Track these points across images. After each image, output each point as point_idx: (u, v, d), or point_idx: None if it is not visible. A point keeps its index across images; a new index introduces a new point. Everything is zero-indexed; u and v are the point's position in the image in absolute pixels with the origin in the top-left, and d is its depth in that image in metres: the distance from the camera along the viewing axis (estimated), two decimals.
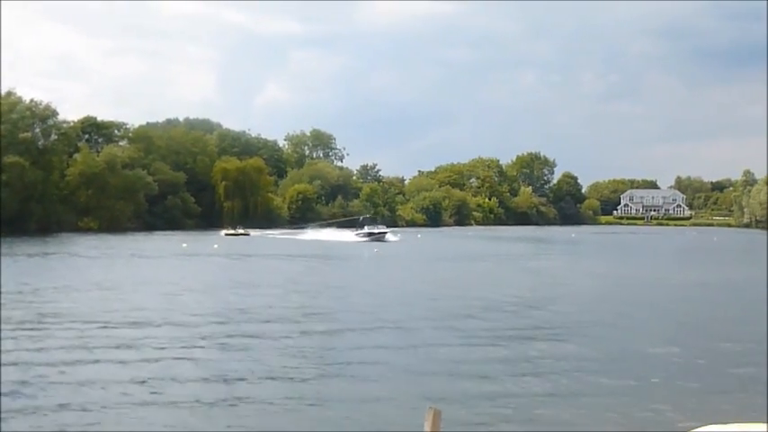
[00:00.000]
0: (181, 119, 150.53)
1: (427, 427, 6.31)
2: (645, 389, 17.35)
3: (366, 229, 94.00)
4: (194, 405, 15.36)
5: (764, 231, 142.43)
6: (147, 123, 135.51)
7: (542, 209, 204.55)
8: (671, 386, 17.65)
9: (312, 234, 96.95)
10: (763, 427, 8.84)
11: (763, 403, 15.79)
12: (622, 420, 14.53)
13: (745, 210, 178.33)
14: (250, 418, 14.63)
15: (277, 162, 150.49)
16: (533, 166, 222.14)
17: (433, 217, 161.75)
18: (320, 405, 15.59)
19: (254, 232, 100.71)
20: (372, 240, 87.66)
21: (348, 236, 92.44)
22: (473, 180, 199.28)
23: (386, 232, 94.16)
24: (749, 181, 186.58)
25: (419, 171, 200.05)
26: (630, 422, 13.82)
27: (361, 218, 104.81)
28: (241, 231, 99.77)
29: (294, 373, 18.36)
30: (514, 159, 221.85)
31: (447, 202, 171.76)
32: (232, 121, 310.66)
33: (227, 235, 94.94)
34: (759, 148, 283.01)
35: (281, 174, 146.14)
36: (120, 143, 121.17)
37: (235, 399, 15.91)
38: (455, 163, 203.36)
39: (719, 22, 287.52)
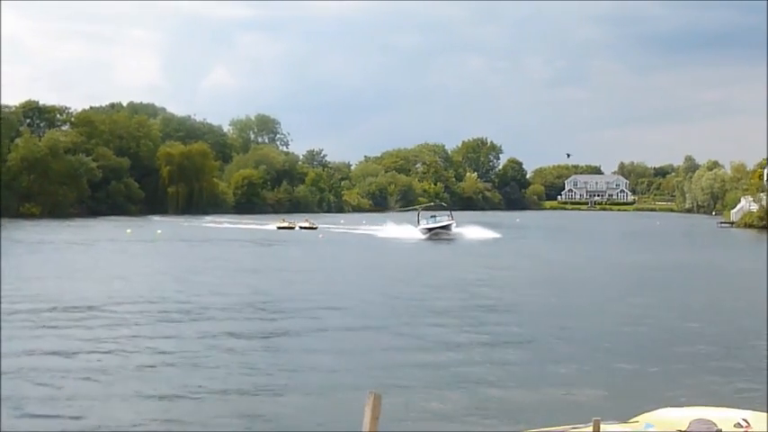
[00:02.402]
0: (124, 103, 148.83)
1: (367, 411, 6.35)
2: (604, 372, 17.60)
3: (425, 223, 73.74)
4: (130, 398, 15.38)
5: (706, 216, 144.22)
6: (91, 108, 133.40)
7: (487, 194, 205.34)
8: (628, 369, 17.91)
9: (378, 228, 77.26)
10: (716, 409, 9.12)
11: (715, 382, 16.20)
12: (575, 404, 14.65)
13: (687, 195, 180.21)
14: (188, 409, 14.66)
15: (222, 147, 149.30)
16: (479, 152, 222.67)
17: (379, 202, 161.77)
18: (254, 395, 15.64)
19: (300, 222, 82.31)
20: (435, 237, 69.41)
21: (411, 231, 73.25)
22: (419, 165, 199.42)
23: (450, 224, 73.28)
24: (691, 167, 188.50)
25: (365, 156, 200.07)
26: (583, 406, 13.94)
27: (420, 208, 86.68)
28: (306, 225, 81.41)
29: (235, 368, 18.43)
30: (460, 145, 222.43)
31: (393, 187, 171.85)
32: (177, 106, 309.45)
33: (280, 228, 78.57)
34: (701, 134, 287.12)
35: (226, 159, 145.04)
36: (63, 128, 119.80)
37: (169, 390, 15.97)
38: (401, 148, 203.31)
39: (664, 9, 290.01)
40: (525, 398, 15.20)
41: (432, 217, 75.94)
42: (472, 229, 74.17)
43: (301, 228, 79.79)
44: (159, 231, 70.06)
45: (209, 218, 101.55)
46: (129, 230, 69.09)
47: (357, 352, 19.46)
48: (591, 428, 7.39)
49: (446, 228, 71.95)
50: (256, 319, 24.60)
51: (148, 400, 14.98)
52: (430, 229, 71.46)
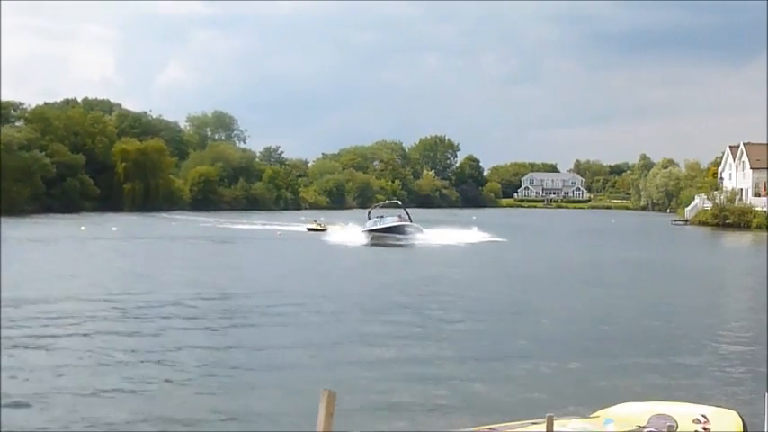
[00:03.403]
0: (79, 99, 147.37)
1: (322, 408, 6.26)
2: (564, 369, 17.63)
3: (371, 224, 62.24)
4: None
5: (661, 214, 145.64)
6: (45, 104, 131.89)
7: (445, 191, 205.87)
8: (589, 365, 17.98)
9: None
10: (675, 405, 9.17)
11: (675, 378, 16.31)
12: (534, 400, 14.63)
13: (642, 193, 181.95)
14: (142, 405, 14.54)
15: (179, 144, 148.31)
16: (437, 150, 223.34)
17: (336, 199, 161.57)
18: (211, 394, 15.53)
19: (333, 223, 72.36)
20: (379, 241, 58.34)
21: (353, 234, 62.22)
22: (376, 163, 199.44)
23: (400, 225, 61.35)
24: (646, 165, 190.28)
25: (323, 154, 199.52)
26: (542, 403, 13.94)
27: (375, 206, 74.08)
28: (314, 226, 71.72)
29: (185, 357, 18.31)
30: (418, 143, 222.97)
31: (350, 184, 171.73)
32: (132, 102, 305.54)
33: (310, 230, 70.45)
34: (655, 133, 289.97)
35: (182, 155, 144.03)
36: (17, 124, 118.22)
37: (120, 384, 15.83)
38: (359, 146, 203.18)
39: (617, 9, 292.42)
40: (483, 394, 15.20)
41: (379, 217, 63.28)
42: (444, 233, 63.74)
43: (309, 230, 71.12)
44: (114, 229, 69.49)
45: (204, 216, 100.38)
46: (83, 227, 68.46)
47: (314, 348, 19.37)
48: (545, 425, 7.35)
49: (395, 230, 59.80)
50: (202, 317, 24.34)
51: (95, 399, 14.79)
52: (373, 232, 59.98)
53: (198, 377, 16.47)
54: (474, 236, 64.40)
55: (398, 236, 59.49)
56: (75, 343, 19.52)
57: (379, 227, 60.61)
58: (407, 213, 64.41)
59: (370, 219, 63.48)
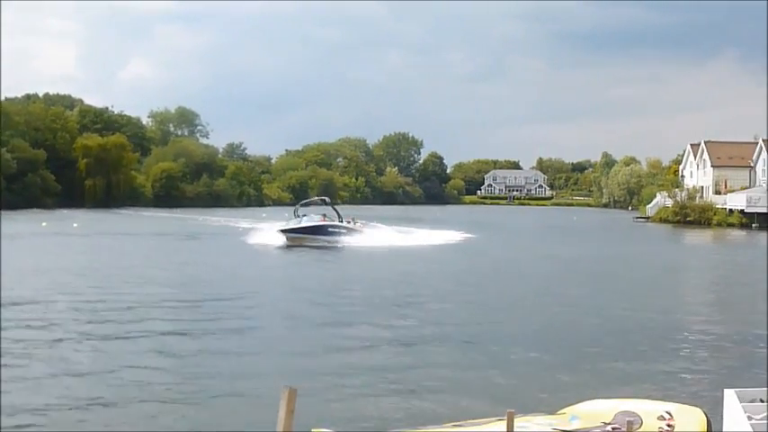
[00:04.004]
0: (40, 94, 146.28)
1: (282, 405, 6.19)
2: (530, 366, 17.63)
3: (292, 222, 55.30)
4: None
5: (622, 211, 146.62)
6: (6, 99, 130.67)
7: (408, 188, 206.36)
8: (553, 362, 17.96)
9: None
10: (640, 402, 9.24)
11: (641, 375, 16.40)
12: (502, 398, 14.57)
13: (604, 190, 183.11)
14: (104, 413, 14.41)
15: (141, 139, 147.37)
16: (400, 146, 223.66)
17: (299, 196, 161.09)
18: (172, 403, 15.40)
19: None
20: (296, 243, 52.46)
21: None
22: (340, 159, 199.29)
23: (323, 225, 54.94)
24: (608, 162, 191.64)
25: (286, 150, 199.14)
26: (508, 400, 13.87)
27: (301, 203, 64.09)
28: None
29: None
30: (381, 139, 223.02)
31: (314, 181, 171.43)
32: (94, 98, 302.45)
33: None
34: (618, 131, 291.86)
35: (145, 151, 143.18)
36: None
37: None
38: (322, 142, 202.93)
39: (580, 8, 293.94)
40: (450, 392, 15.17)
41: (301, 216, 55.90)
42: (385, 234, 58.75)
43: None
44: (75, 225, 68.94)
45: (165, 212, 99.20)
46: (44, 224, 67.89)
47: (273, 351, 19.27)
48: (505, 421, 7.37)
49: (315, 231, 53.68)
50: (159, 319, 24.10)
51: (50, 405, 14.63)
52: (288, 232, 53.58)
53: (156, 379, 16.33)
54: (437, 237, 62.21)
55: (320, 237, 53.28)
56: (33, 344, 19.25)
57: (295, 227, 54.04)
58: (337, 212, 57.81)
59: (296, 216, 55.67)
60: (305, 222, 54.38)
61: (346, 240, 53.96)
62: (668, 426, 8.30)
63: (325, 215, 56.28)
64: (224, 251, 49.44)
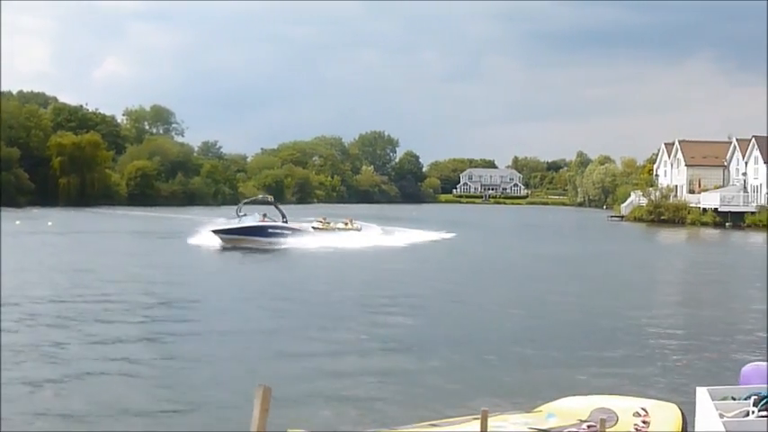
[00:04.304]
0: (14, 92, 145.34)
1: (257, 404, 6.15)
2: (509, 364, 17.61)
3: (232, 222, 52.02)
4: None
5: (597, 210, 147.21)
6: None
7: (384, 187, 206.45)
8: (532, 361, 17.94)
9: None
10: (616, 398, 9.28)
11: (617, 372, 16.44)
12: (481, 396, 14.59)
13: (579, 189, 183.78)
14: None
15: (116, 137, 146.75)
16: (376, 145, 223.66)
17: (275, 194, 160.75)
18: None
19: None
20: (232, 245, 49.04)
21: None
22: (316, 158, 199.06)
23: (264, 226, 51.32)
24: (583, 161, 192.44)
25: (262, 149, 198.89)
26: (486, 398, 13.85)
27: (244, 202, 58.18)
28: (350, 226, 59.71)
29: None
30: (357, 138, 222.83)
31: (290, 179, 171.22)
32: (68, 95, 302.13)
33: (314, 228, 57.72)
34: (592, 131, 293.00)
35: (119, 150, 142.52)
36: None
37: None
38: (298, 141, 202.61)
39: (555, 8, 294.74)
40: (428, 391, 15.17)
41: (241, 216, 52.01)
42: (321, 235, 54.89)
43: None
44: (50, 223, 68.55)
45: (140, 211, 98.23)
46: (17, 222, 67.44)
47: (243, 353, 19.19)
48: (479, 420, 7.36)
49: (253, 232, 50.07)
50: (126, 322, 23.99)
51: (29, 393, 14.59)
52: (221, 233, 50.14)
53: (128, 380, 16.26)
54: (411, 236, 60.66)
55: (258, 238, 49.52)
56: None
57: (229, 227, 50.76)
58: (281, 211, 53.49)
59: (237, 216, 51.91)
60: (243, 223, 50.95)
61: (289, 242, 50.25)
62: (644, 422, 8.35)
63: (265, 215, 52.36)
64: (163, 251, 48.40)
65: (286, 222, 52.95)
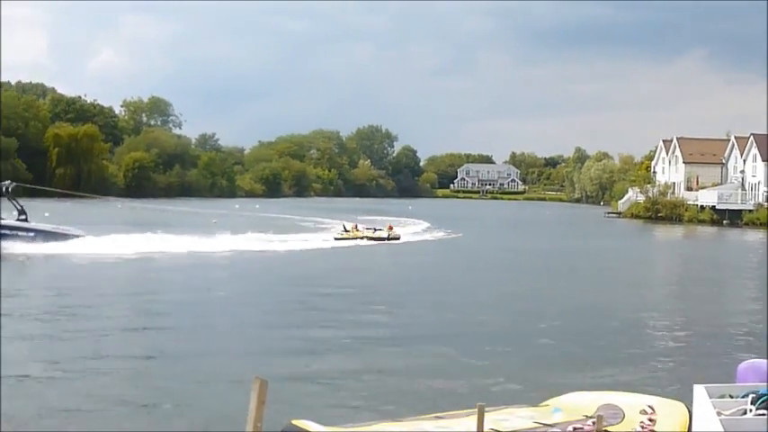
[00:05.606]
0: (12, 83, 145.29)
1: (253, 396, 6.14)
2: (517, 359, 17.52)
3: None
4: None
5: (594, 206, 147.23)
6: None
7: (381, 181, 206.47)
8: (540, 356, 17.85)
9: None
10: (624, 395, 9.24)
11: (626, 369, 16.41)
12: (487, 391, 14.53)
13: (577, 185, 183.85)
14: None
15: (113, 129, 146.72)
16: (373, 139, 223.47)
17: (272, 187, 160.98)
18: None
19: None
20: None
21: None
22: (313, 152, 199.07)
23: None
24: (581, 157, 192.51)
25: (259, 141, 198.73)
26: (494, 393, 13.79)
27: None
28: (384, 234, 52.18)
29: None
30: (355, 132, 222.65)
31: (287, 173, 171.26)
32: (66, 86, 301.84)
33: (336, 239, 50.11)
34: (590, 126, 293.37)
35: (117, 141, 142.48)
36: None
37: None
38: (295, 134, 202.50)
39: (547, 5, 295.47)
40: (434, 385, 15.11)
41: None
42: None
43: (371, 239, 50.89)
44: (47, 214, 68.32)
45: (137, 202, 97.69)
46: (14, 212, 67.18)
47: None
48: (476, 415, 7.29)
49: None
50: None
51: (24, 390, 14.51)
52: None
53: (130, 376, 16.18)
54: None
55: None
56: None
57: None
58: (17, 205, 41.78)
59: None
60: None
61: (26, 248, 37.41)
62: (650, 420, 8.29)
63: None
64: None
65: (25, 220, 40.91)
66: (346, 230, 52.55)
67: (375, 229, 52.95)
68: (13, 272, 30.44)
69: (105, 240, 40.58)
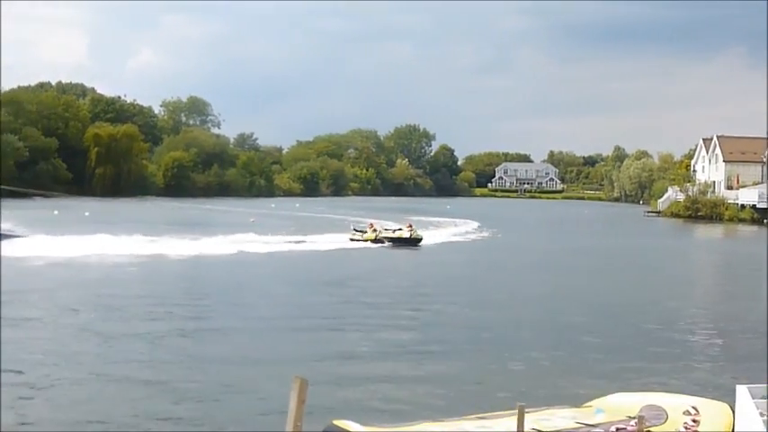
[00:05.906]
0: (53, 83, 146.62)
1: (293, 395, 6.12)
2: (562, 360, 17.46)
3: None
4: None
5: (633, 205, 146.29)
6: (18, 87, 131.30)
7: (419, 180, 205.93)
8: (581, 357, 17.77)
9: None
10: (667, 396, 9.17)
11: (669, 370, 16.27)
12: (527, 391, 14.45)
13: (616, 184, 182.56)
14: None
15: (152, 129, 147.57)
16: (411, 138, 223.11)
17: (310, 187, 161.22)
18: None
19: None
20: None
21: None
22: (351, 151, 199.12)
23: None
24: (620, 156, 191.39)
25: (297, 141, 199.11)
26: (537, 393, 13.73)
27: None
28: (406, 234, 47.73)
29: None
30: (393, 131, 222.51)
31: (324, 172, 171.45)
32: (106, 86, 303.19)
33: (351, 240, 47.86)
34: (628, 124, 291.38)
35: (156, 141, 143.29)
36: None
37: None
38: (333, 134, 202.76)
39: (588, 4, 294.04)
40: (473, 386, 15.04)
41: None
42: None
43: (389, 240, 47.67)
44: (87, 213, 68.93)
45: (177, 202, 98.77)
46: (55, 212, 67.88)
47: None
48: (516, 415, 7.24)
49: None
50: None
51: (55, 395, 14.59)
52: None
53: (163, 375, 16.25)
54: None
55: None
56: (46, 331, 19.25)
57: None
58: None
59: None
60: None
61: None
62: (693, 421, 8.22)
63: None
64: None
65: None
66: (357, 231, 49.22)
67: (394, 230, 49.10)
68: None
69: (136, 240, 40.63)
